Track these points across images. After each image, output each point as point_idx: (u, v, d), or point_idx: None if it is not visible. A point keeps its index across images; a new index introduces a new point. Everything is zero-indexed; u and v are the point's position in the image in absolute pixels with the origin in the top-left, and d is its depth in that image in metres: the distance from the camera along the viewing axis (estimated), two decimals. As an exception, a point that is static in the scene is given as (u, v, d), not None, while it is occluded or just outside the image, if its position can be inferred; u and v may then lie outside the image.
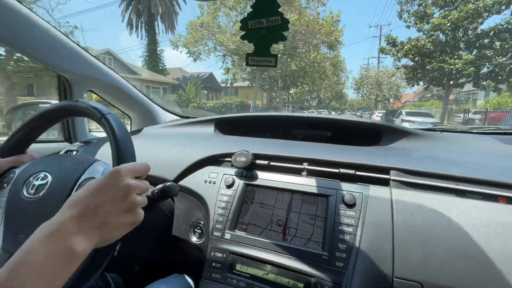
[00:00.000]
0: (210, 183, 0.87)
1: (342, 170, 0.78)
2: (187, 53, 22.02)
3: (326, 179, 0.78)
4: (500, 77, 14.23)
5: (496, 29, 13.79)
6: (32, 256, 0.37)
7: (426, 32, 16.04)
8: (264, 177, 0.83)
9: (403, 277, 0.59)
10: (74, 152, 1.16)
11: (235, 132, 1.24)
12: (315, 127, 1.24)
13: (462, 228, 0.60)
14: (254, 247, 0.72)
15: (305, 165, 0.83)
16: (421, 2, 16.16)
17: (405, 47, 16.38)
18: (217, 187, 0.84)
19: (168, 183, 0.58)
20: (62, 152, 1.19)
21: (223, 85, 26.44)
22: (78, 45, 1.20)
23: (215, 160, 0.94)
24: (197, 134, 1.24)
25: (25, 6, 0.99)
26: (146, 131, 1.42)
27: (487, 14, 13.96)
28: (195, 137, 1.16)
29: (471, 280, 0.55)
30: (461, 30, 14.83)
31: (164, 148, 1.09)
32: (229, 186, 0.83)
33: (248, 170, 0.85)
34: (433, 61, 15.56)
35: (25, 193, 0.64)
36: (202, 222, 0.86)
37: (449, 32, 15.08)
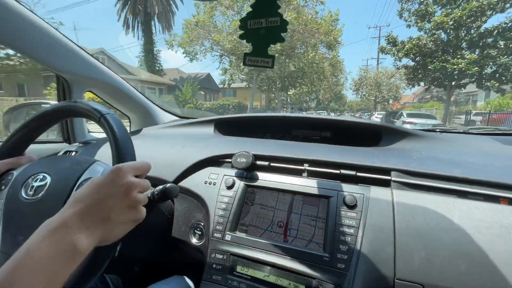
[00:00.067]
0: (210, 184, 0.86)
1: (343, 171, 0.78)
2: (183, 53, 21.41)
3: (327, 180, 0.78)
4: (504, 78, 13.75)
5: (500, 28, 13.37)
6: (35, 252, 0.37)
7: (427, 31, 15.57)
8: (265, 178, 0.82)
9: (404, 279, 0.59)
10: (73, 153, 1.15)
11: (235, 133, 1.23)
12: (315, 127, 1.24)
13: (464, 229, 0.60)
14: (255, 248, 0.71)
15: (306, 166, 0.83)
16: (422, 0, 15.64)
17: (406, 46, 15.96)
18: (218, 188, 0.84)
19: (168, 185, 0.58)
20: (61, 153, 1.19)
21: (221, 86, 26.19)
22: (77, 45, 1.19)
23: (215, 161, 0.93)
24: (197, 134, 1.23)
25: (24, 6, 0.99)
26: (145, 131, 1.42)
27: (491, 12, 13.55)
28: (195, 137, 1.16)
29: (472, 281, 0.55)
30: (464, 28, 14.37)
31: (163, 149, 1.08)
32: (230, 187, 0.83)
33: (248, 171, 0.85)
34: (435, 60, 15.12)
35: (23, 194, 0.63)
36: (202, 224, 0.86)
37: (452, 31, 14.63)
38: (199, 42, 20.66)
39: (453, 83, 15.84)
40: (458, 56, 14.46)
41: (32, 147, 0.78)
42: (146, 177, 0.55)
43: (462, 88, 16.81)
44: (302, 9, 18.32)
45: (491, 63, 13.66)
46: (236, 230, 0.76)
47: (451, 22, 14.12)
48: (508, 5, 13.04)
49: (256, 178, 0.83)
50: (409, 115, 14.42)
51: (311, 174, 0.82)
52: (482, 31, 13.93)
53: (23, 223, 0.60)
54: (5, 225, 0.61)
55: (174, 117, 1.69)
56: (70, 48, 1.17)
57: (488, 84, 14.56)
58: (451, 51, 15.22)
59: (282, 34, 0.60)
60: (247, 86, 24.65)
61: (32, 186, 0.64)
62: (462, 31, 14.50)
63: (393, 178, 0.73)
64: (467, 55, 14.19)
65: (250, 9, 0.60)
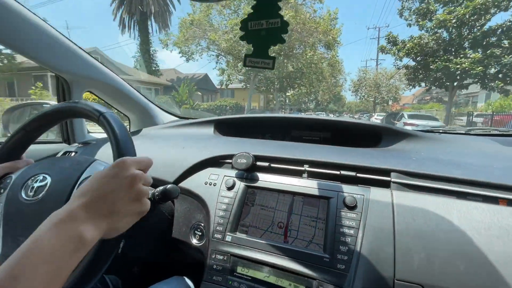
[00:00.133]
0: (210, 185, 0.86)
1: (343, 172, 0.78)
2: (179, 53, 20.74)
3: (327, 181, 0.78)
4: (508, 78, 13.19)
5: (504, 27, 12.90)
6: (42, 242, 0.38)
7: (429, 29, 15.03)
8: (265, 179, 0.83)
9: (404, 279, 0.59)
10: (73, 153, 1.15)
11: (234, 133, 1.24)
12: (315, 128, 1.24)
13: (463, 230, 0.60)
14: (255, 249, 0.71)
15: (306, 167, 0.83)
16: (424, -3, 15.10)
17: (407, 45, 15.44)
18: (218, 189, 0.84)
19: (169, 186, 0.58)
20: (60, 154, 1.19)
21: (219, 86, 25.83)
22: (77, 45, 1.20)
23: (216, 161, 0.94)
24: (197, 135, 1.24)
25: (24, 7, 0.99)
26: (145, 132, 1.42)
27: (494, 10, 13.06)
28: (194, 138, 1.16)
29: (471, 282, 0.56)
30: (467, 27, 13.75)
31: (163, 150, 1.08)
32: (230, 188, 0.83)
33: (248, 172, 0.85)
34: (437, 60, 14.59)
35: (23, 195, 0.63)
36: (202, 224, 0.86)
37: (454, 30, 14.03)
38: (195, 41, 20.09)
39: (455, 83, 15.40)
40: (461, 55, 13.98)
41: (31, 147, 0.78)
42: None
43: (465, 89, 16.39)
44: (300, 8, 17.95)
45: (495, 63, 13.12)
46: (236, 231, 0.76)
47: (454, 20, 13.65)
48: (512, 3, 12.68)
49: (256, 179, 0.83)
50: (411, 117, 13.93)
51: (311, 175, 0.82)
52: (485, 29, 13.41)
53: (24, 224, 0.60)
54: (6, 228, 0.60)
55: (174, 118, 1.69)
56: (70, 48, 1.17)
57: (492, 84, 14.04)
58: (453, 50, 14.74)
59: (282, 35, 0.60)
60: (244, 86, 24.28)
61: (32, 187, 0.64)
62: (465, 30, 13.94)
63: (392, 179, 0.74)
64: (471, 54, 13.71)
65: (250, 10, 0.61)
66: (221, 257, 0.73)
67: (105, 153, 1.09)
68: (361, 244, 0.64)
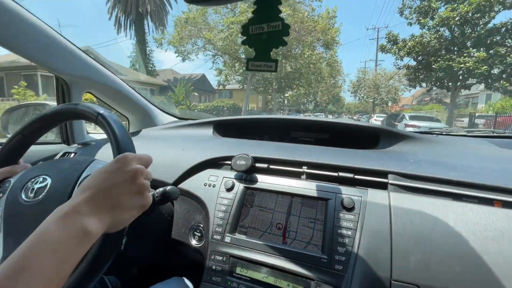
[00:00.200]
0: (210, 186, 0.87)
1: (341, 174, 0.79)
2: (175, 52, 20.16)
3: (325, 183, 0.79)
4: None
5: (509, 25, 12.47)
6: (48, 235, 0.38)
7: (432, 27, 14.55)
8: (264, 181, 0.83)
9: (401, 280, 0.60)
10: (72, 154, 1.15)
11: (233, 135, 1.24)
12: (313, 130, 1.25)
13: (459, 231, 0.61)
14: (254, 250, 0.72)
15: (305, 169, 0.84)
16: (425, -6, 14.50)
17: (408, 44, 15.00)
18: (217, 190, 0.85)
19: (169, 187, 0.58)
20: (59, 155, 1.19)
21: (217, 87, 25.52)
22: (76, 46, 1.20)
23: (215, 163, 0.94)
24: (196, 136, 1.24)
25: (23, 8, 0.99)
26: (144, 132, 1.42)
27: (499, 7, 12.64)
28: (194, 139, 1.17)
29: (467, 283, 0.56)
30: (470, 25, 13.31)
31: (163, 151, 1.09)
32: (229, 190, 0.83)
33: (247, 174, 0.86)
34: (439, 59, 14.14)
35: (24, 197, 0.63)
36: (201, 225, 0.86)
37: (457, 28, 13.62)
38: (191, 40, 19.52)
39: (457, 84, 14.92)
40: (465, 54, 13.48)
41: (31, 147, 0.77)
42: None
43: (467, 90, 15.94)
44: (298, 6, 17.64)
45: (499, 63, 12.64)
46: (235, 232, 0.77)
47: (457, 18, 13.21)
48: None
49: (255, 181, 0.84)
50: (412, 118, 13.59)
51: (310, 177, 0.83)
52: (489, 28, 13.02)
53: (25, 225, 0.60)
54: (6, 231, 0.61)
55: (173, 118, 1.70)
56: (69, 49, 1.17)
57: (497, 84, 13.53)
58: (456, 49, 14.30)
59: (284, 37, 0.60)
60: (241, 87, 23.87)
61: (33, 189, 0.64)
62: (468, 28, 13.55)
63: (390, 181, 0.74)
64: (475, 53, 13.24)
65: (247, 9, 0.60)
66: (220, 258, 0.74)
67: (105, 154, 1.09)
68: (359, 245, 0.65)
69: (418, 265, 0.60)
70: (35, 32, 1.04)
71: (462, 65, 13.17)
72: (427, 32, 14.97)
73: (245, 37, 0.62)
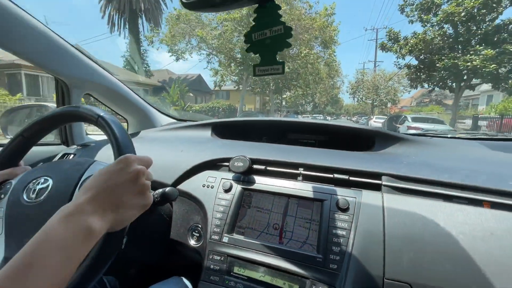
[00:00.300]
0: (208, 187, 0.89)
1: (336, 175, 0.81)
2: (168, 51, 19.40)
3: (321, 184, 0.81)
4: None
5: None
6: (53, 233, 0.40)
7: (436, 23, 13.80)
8: (261, 182, 0.85)
9: (393, 279, 0.62)
10: (72, 156, 1.16)
11: (231, 136, 1.26)
12: (311, 132, 1.27)
13: (449, 231, 0.63)
14: (251, 250, 0.74)
15: (301, 170, 0.85)
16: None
17: (410, 42, 14.33)
18: (215, 192, 0.86)
19: (168, 188, 0.60)
20: (58, 156, 1.20)
21: (213, 88, 25.04)
22: (75, 48, 1.21)
23: (213, 164, 0.96)
24: (195, 138, 1.26)
25: (23, 10, 1.00)
26: (143, 134, 1.44)
27: (507, 2, 12.16)
28: (192, 141, 1.18)
29: (456, 280, 0.58)
30: (476, 21, 12.55)
31: (162, 152, 1.10)
32: (227, 191, 0.85)
33: (245, 175, 0.87)
34: (444, 57, 13.38)
35: (25, 198, 0.64)
36: (200, 226, 0.88)
37: (463, 24, 12.84)
38: (184, 39, 18.86)
39: (461, 84, 14.20)
40: (471, 52, 12.64)
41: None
42: None
43: (471, 90, 15.24)
44: (295, 3, 17.20)
45: (508, 61, 11.92)
46: (233, 232, 0.79)
47: (463, 13, 12.49)
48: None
49: (253, 182, 0.85)
50: (415, 120, 12.55)
51: (306, 178, 0.84)
52: (497, 24, 12.37)
53: (27, 226, 0.61)
54: (8, 231, 0.61)
55: (172, 120, 1.71)
56: (69, 51, 1.18)
57: (506, 84, 12.78)
58: (460, 47, 13.58)
59: (287, 40, 0.60)
60: (235, 87, 23.37)
61: (34, 190, 0.65)
62: (474, 24, 12.75)
63: (383, 183, 0.76)
64: (483, 50, 12.27)
65: (252, 23, 0.61)
66: (218, 258, 0.75)
67: (105, 155, 1.10)
68: (353, 245, 0.67)
69: (410, 264, 0.62)
70: (35, 34, 1.05)
71: (468, 64, 12.48)
72: (430, 28, 14.38)
73: (249, 45, 0.63)
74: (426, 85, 16.62)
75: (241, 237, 0.77)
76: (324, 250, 0.68)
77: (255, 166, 0.88)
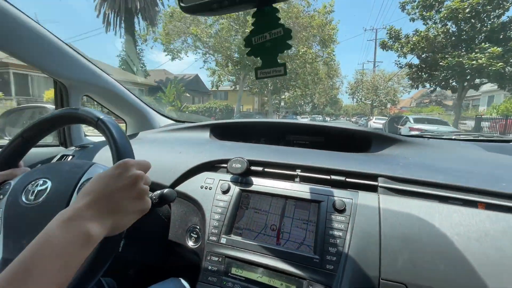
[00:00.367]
0: (206, 188, 0.89)
1: (333, 177, 0.81)
2: (164, 51, 19.13)
3: (318, 186, 0.82)
4: None
5: None
6: (52, 238, 0.40)
7: (439, 20, 13.21)
8: (259, 183, 0.85)
9: (389, 279, 0.63)
10: (70, 157, 1.17)
11: (230, 138, 1.26)
12: (308, 133, 1.28)
13: (444, 232, 0.64)
14: (249, 251, 0.74)
15: (298, 172, 0.86)
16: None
17: (412, 40, 13.77)
18: (213, 193, 0.87)
19: (166, 190, 0.60)
20: (57, 158, 1.20)
21: (211, 88, 24.74)
22: (74, 50, 1.21)
23: (211, 166, 0.96)
24: (193, 139, 1.26)
25: (22, 12, 1.00)
26: (142, 135, 1.44)
27: None
28: (191, 142, 1.19)
29: (451, 281, 0.59)
30: (482, 17, 12.03)
31: (160, 154, 1.10)
32: (225, 192, 0.86)
33: (243, 176, 0.88)
34: (447, 56, 12.73)
35: (24, 199, 0.64)
36: (198, 227, 0.88)
37: (467, 21, 12.23)
38: (180, 37, 18.41)
39: (465, 83, 13.66)
40: (477, 50, 12.03)
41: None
42: None
43: (475, 90, 14.79)
44: (294, 2, 16.83)
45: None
46: (231, 233, 0.79)
47: (468, 10, 11.96)
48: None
49: (250, 183, 0.86)
50: (417, 121, 11.96)
51: (303, 180, 0.85)
52: (503, 21, 11.91)
53: (25, 227, 0.61)
54: (6, 232, 0.62)
55: (170, 121, 1.71)
56: (68, 53, 1.18)
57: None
58: (465, 45, 12.96)
59: (287, 41, 0.60)
60: (232, 87, 22.79)
61: (33, 191, 0.65)
62: (479, 21, 12.19)
63: (380, 184, 0.77)
64: (489, 48, 11.70)
65: (251, 27, 0.61)
66: (216, 259, 0.76)
67: (103, 156, 1.11)
68: (349, 245, 0.68)
69: (406, 264, 0.62)
70: (34, 36, 1.05)
71: (474, 62, 11.85)
72: (433, 26, 13.80)
73: (249, 49, 0.63)
74: (427, 85, 16.20)
75: (239, 238, 0.77)
76: (321, 251, 0.69)
77: (253, 168, 0.89)
